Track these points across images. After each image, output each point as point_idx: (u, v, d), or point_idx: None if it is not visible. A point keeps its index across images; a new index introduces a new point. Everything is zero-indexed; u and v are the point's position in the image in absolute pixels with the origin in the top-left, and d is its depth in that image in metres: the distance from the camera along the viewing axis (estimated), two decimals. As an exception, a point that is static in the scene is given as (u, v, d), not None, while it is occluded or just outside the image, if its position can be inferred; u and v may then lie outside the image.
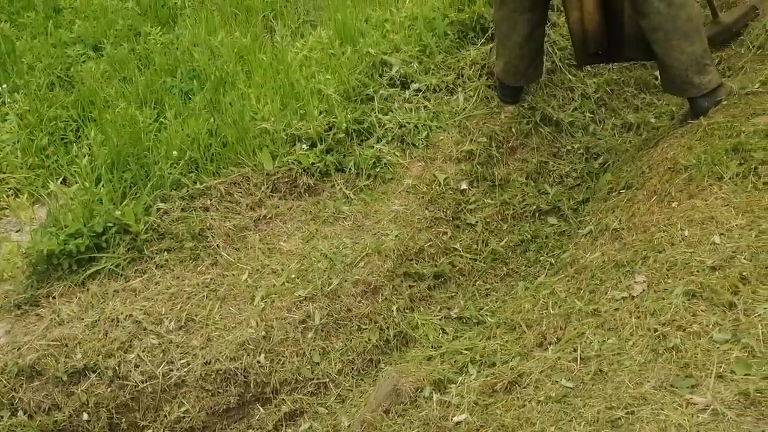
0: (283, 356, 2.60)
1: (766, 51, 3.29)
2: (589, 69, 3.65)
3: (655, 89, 3.63)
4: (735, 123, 2.66)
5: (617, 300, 2.19)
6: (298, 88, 3.37)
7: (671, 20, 2.81)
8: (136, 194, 2.95)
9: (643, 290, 2.14)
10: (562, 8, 3.21)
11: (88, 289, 2.74)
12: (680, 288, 2.03)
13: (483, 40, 3.60)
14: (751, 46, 3.37)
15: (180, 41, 4.05)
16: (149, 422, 2.56)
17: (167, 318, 2.63)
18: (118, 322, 2.62)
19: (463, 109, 3.34)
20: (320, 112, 3.24)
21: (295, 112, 3.27)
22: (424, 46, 3.54)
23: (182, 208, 2.90)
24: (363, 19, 3.86)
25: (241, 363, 2.56)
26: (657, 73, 3.60)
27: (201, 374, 2.54)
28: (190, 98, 3.57)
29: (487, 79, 3.46)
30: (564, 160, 3.32)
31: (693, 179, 2.47)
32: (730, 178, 2.38)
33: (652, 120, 3.42)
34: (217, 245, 2.80)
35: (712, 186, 2.39)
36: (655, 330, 1.96)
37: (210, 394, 2.57)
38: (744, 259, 2.00)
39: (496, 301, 2.79)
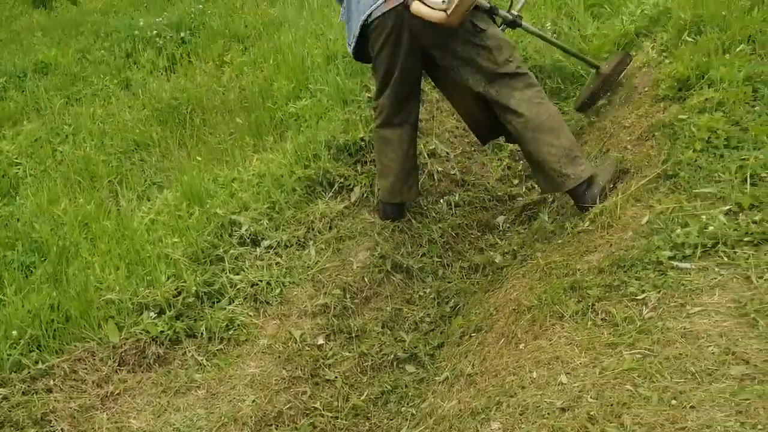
0: None
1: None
2: (434, 215, 3.80)
3: (497, 230, 3.80)
4: (570, 261, 2.81)
5: (476, 449, 2.19)
6: (144, 254, 3.31)
7: (535, 118, 3.09)
8: (-30, 380, 2.75)
9: (500, 437, 2.15)
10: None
11: None
12: None
13: (331, 194, 3.69)
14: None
15: (21, 212, 3.92)
16: None
17: None
18: None
19: (316, 263, 3.37)
20: (168, 277, 3.17)
21: (142, 278, 3.19)
22: (273, 202, 3.58)
23: (23, 392, 2.70)
24: (210, 179, 3.88)
25: None
26: (498, 219, 3.82)
27: None
28: (31, 271, 3.43)
29: (337, 231, 3.53)
30: (417, 305, 3.37)
31: (536, 320, 2.56)
32: (570, 317, 2.48)
33: (497, 260, 3.54)
34: (62, 429, 2.62)
35: (554, 325, 2.48)
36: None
37: None
38: (590, 398, 2.05)
39: (360, 460, 2.73)
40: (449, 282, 3.48)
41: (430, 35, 3.09)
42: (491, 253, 3.63)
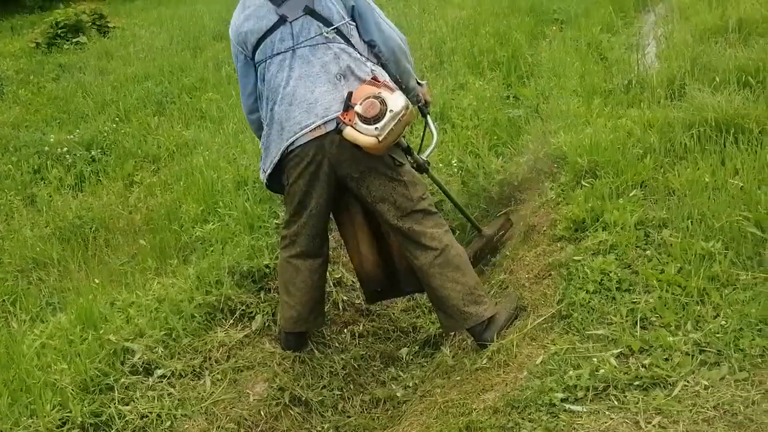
0: None
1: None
2: (337, 345, 3.77)
3: (400, 363, 3.78)
4: (467, 400, 2.80)
5: None
6: (30, 381, 3.14)
7: (443, 256, 3.15)
8: None
9: None
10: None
11: None
12: None
13: (231, 321, 3.62)
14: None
15: None
16: None
17: None
18: None
19: (210, 394, 3.25)
20: (53, 407, 3.01)
21: (26, 407, 3.02)
22: (170, 329, 3.48)
23: None
24: (108, 302, 3.77)
25: None
26: (401, 351, 3.81)
27: None
28: None
29: (235, 361, 3.45)
30: (314, 441, 3.28)
31: (431, 461, 2.53)
32: (464, 458, 2.45)
33: (399, 394, 3.51)
34: None
35: (448, 468, 2.45)
36: None
37: None
38: None
39: None
40: (349, 417, 3.41)
41: (349, 167, 3.13)
42: (393, 387, 3.60)
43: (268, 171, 3.31)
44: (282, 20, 3.15)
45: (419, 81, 3.56)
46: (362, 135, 2.95)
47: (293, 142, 3.14)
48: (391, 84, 3.13)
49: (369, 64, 3.15)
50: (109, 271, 4.31)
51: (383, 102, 2.93)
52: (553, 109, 4.87)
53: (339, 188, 3.28)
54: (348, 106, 2.99)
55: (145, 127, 6.61)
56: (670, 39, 5.82)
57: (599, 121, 4.42)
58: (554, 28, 7.38)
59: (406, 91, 3.38)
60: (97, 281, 3.99)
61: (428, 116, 3.78)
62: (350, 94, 3.00)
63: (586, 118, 4.55)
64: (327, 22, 3.10)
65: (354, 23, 3.18)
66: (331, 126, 3.04)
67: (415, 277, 3.38)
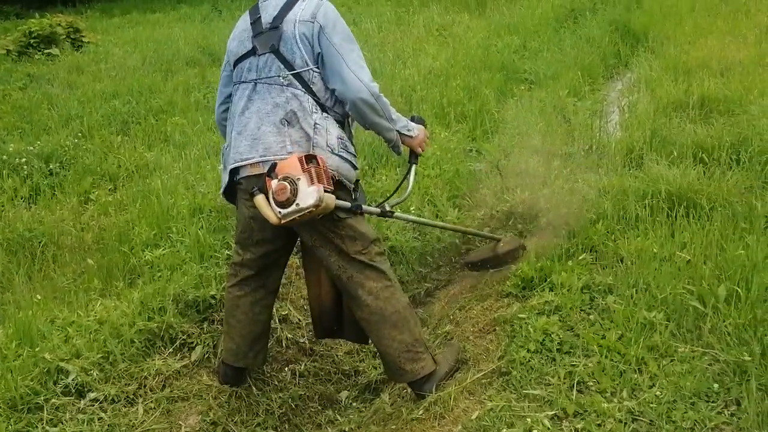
0: None
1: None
2: (276, 383, 3.73)
3: (338, 406, 3.74)
4: (400, 451, 2.79)
5: None
6: (-43, 395, 3.06)
7: (379, 311, 3.12)
8: None
9: None
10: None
11: None
12: None
13: (170, 350, 3.57)
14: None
15: None
16: None
17: None
18: None
19: (142, 422, 3.19)
20: (-22, 427, 2.93)
21: (-51, 422, 2.94)
22: (108, 353, 3.42)
23: None
24: (48, 319, 3.69)
25: None
26: (341, 394, 3.78)
27: None
28: None
29: (171, 391, 3.39)
30: (243, 479, 3.23)
31: None
32: None
33: (333, 437, 3.48)
34: None
35: None
36: None
37: None
38: None
39: None
40: (280, 456, 3.37)
41: None
42: (328, 430, 3.55)
43: (222, 189, 3.32)
44: (253, 51, 3.17)
45: (406, 132, 3.36)
46: (267, 208, 2.93)
47: (237, 169, 3.15)
48: (319, 170, 2.93)
49: (316, 116, 3.06)
50: (53, 288, 4.22)
51: (294, 192, 2.85)
52: (514, 167, 4.93)
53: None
54: (269, 174, 2.95)
55: (108, 145, 6.53)
56: (634, 109, 5.96)
57: (557, 183, 4.49)
58: (523, 87, 7.50)
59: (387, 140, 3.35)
60: (39, 297, 3.92)
61: (413, 167, 3.66)
62: (274, 165, 2.94)
63: (545, 179, 4.62)
64: (289, 66, 3.08)
65: (318, 70, 3.11)
66: (266, 168, 3.01)
67: (358, 328, 3.38)
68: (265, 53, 3.12)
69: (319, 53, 3.09)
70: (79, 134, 6.82)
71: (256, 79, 3.14)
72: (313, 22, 3.07)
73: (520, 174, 4.78)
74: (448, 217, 4.66)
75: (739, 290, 3.16)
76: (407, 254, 4.51)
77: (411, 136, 3.38)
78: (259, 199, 2.95)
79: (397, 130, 3.31)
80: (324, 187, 2.88)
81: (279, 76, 3.09)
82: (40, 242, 4.84)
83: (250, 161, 3.07)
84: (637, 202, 4.03)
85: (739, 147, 4.68)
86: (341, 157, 3.10)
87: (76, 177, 5.90)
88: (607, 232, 3.86)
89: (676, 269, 3.42)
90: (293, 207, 2.86)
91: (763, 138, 4.69)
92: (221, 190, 3.34)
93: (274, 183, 2.90)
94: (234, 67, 3.28)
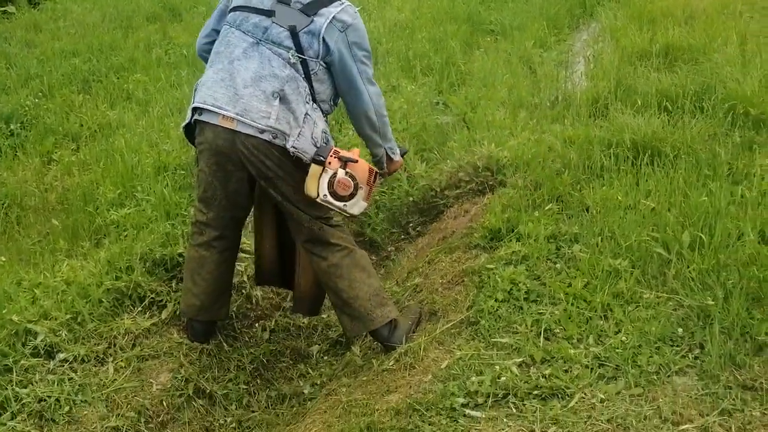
0: None
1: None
2: (247, 339, 3.75)
3: (310, 360, 3.77)
4: (371, 400, 2.82)
5: None
6: None
7: (350, 255, 3.24)
8: None
9: None
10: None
11: None
12: None
13: (139, 309, 3.56)
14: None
15: None
16: None
17: None
18: None
19: (113, 381, 3.19)
20: (-54, 386, 2.91)
21: None
22: (77, 313, 3.40)
23: None
24: (14, 281, 3.65)
25: None
26: (312, 348, 3.80)
27: None
28: None
29: (141, 349, 3.39)
30: (216, 434, 3.25)
31: (328, 460, 2.53)
32: (361, 459, 2.46)
33: (306, 391, 3.50)
34: None
35: (344, 467, 2.45)
36: None
37: None
38: None
39: None
40: (253, 411, 3.39)
41: (262, 165, 3.08)
42: (300, 384, 3.58)
43: (183, 124, 3.28)
44: (269, 13, 3.09)
45: (391, 153, 3.46)
46: (315, 181, 2.99)
47: (202, 112, 3.10)
48: (373, 189, 3.18)
49: (308, 107, 3.07)
50: (18, 250, 4.18)
51: (351, 196, 3.03)
52: (481, 119, 4.93)
53: (252, 180, 3.24)
54: (339, 157, 3.02)
55: (69, 104, 6.41)
56: (599, 59, 5.96)
57: (523, 134, 4.50)
58: (489, 39, 7.46)
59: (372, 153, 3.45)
60: (3, 259, 3.87)
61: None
62: (346, 161, 3.03)
63: (511, 130, 4.63)
64: (299, 50, 3.04)
65: (325, 66, 3.11)
66: (243, 128, 3.00)
67: (310, 303, 3.60)
68: (281, 26, 3.06)
69: (331, 60, 3.10)
70: (39, 93, 6.69)
71: (260, 39, 3.07)
72: (344, 33, 3.09)
73: (487, 126, 4.77)
74: (416, 171, 4.66)
75: (703, 236, 3.21)
76: (380, 210, 4.52)
77: (392, 159, 3.51)
78: (315, 169, 2.99)
79: (385, 149, 3.43)
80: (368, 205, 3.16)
81: (288, 52, 3.04)
82: (3, 204, 4.78)
83: (222, 111, 3.02)
84: (602, 152, 4.05)
85: (703, 95, 4.71)
86: None
87: (38, 137, 5.81)
88: (573, 182, 3.88)
89: (640, 217, 3.46)
90: (339, 204, 3.04)
91: (727, 86, 4.73)
92: (183, 124, 3.29)
93: (341, 172, 3.00)
94: (235, 9, 3.18)
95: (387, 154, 3.46)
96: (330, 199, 2.98)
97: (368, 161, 3.27)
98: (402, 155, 3.59)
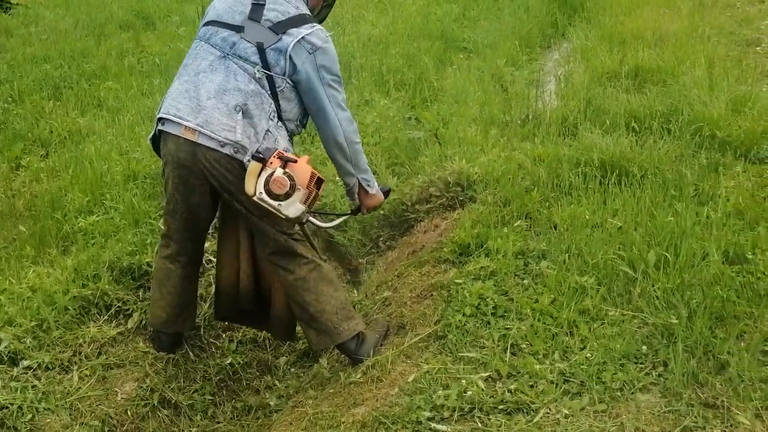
0: None
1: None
2: (214, 350, 3.73)
3: (277, 372, 3.76)
4: (337, 413, 2.82)
5: None
6: None
7: (317, 268, 3.23)
8: None
9: None
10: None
11: None
12: None
13: (106, 317, 3.54)
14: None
15: None
16: None
17: None
18: None
19: (77, 389, 3.16)
20: None
21: None
22: (42, 320, 3.37)
23: None
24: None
25: None
26: (279, 360, 3.79)
27: None
28: None
29: (106, 358, 3.37)
30: (180, 445, 3.23)
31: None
32: (326, 471, 2.46)
33: (272, 403, 3.49)
34: None
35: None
36: None
37: None
38: None
39: None
40: (218, 423, 3.38)
41: (224, 179, 3.06)
42: (267, 395, 3.57)
43: (149, 136, 3.26)
44: (238, 29, 3.09)
45: (366, 185, 3.42)
46: (253, 179, 2.92)
47: (165, 122, 3.08)
48: (316, 197, 3.09)
49: (271, 123, 3.06)
50: (-17, 256, 4.13)
51: (287, 196, 2.92)
52: (452, 135, 4.97)
53: (215, 192, 3.21)
54: (281, 157, 2.95)
55: (39, 110, 6.36)
56: (569, 79, 6.04)
57: (494, 151, 4.54)
58: (462, 56, 7.53)
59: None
60: (-33, 265, 3.83)
61: (348, 217, 3.82)
62: (289, 159, 2.95)
63: (482, 147, 4.67)
64: (266, 66, 3.04)
65: (291, 84, 3.10)
66: (204, 140, 2.98)
67: (290, 326, 3.54)
68: (249, 42, 3.05)
69: (300, 78, 3.08)
70: (9, 99, 6.63)
71: (227, 54, 3.07)
72: (312, 55, 3.07)
73: (458, 142, 4.81)
74: (388, 185, 4.67)
75: (668, 256, 3.26)
76: (349, 223, 4.53)
77: (368, 192, 3.45)
78: (254, 167, 2.92)
79: (358, 178, 3.38)
80: (307, 211, 3.04)
81: (255, 67, 3.04)
82: (-32, 210, 4.72)
83: (186, 123, 3.01)
84: (571, 170, 4.11)
85: (671, 116, 4.79)
86: None
87: (6, 142, 5.74)
88: (542, 199, 3.93)
89: (607, 235, 3.50)
90: (274, 203, 2.92)
91: (694, 108, 4.82)
92: (149, 135, 3.27)
93: (279, 171, 2.91)
94: (206, 24, 3.19)
95: (361, 185, 3.41)
96: (265, 197, 2.90)
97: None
98: (385, 194, 3.56)
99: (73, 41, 8.43)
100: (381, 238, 4.57)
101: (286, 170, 2.92)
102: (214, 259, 4.00)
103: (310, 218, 3.29)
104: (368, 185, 3.43)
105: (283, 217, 2.96)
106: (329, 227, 3.98)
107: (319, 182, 3.05)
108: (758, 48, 6.53)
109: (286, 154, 2.97)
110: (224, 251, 3.50)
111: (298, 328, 3.54)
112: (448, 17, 8.65)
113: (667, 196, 3.77)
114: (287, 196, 2.91)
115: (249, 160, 2.97)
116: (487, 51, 7.40)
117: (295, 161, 2.97)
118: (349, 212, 3.71)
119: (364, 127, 5.24)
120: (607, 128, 4.72)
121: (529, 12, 8.56)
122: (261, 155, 2.93)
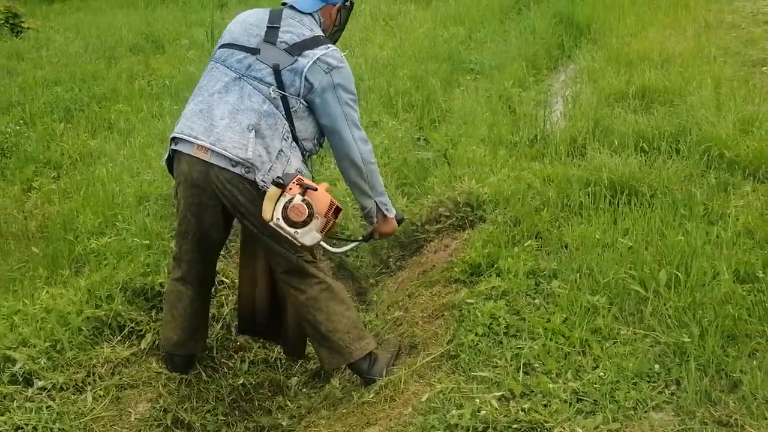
0: None
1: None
2: (226, 370, 3.75)
3: (289, 392, 3.76)
4: (351, 432, 2.83)
5: None
6: None
7: (328, 288, 3.24)
8: None
9: None
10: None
11: None
12: None
13: (119, 338, 3.55)
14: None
15: None
16: None
17: None
18: None
19: (91, 410, 3.18)
20: None
21: None
22: (56, 341, 3.38)
23: None
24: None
25: None
26: (291, 380, 3.80)
27: None
28: None
29: (120, 378, 3.38)
30: (193, 465, 3.23)
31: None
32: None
33: (284, 423, 3.50)
34: None
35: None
36: None
37: None
38: None
39: None
40: (231, 442, 3.38)
41: (235, 200, 3.09)
42: (279, 416, 3.58)
43: (164, 157, 3.28)
44: (254, 51, 3.12)
45: (384, 208, 3.42)
46: (271, 204, 2.93)
47: (179, 142, 3.12)
48: (333, 226, 3.09)
49: (284, 144, 3.08)
50: (-3, 277, 4.16)
51: (304, 224, 2.92)
52: (461, 156, 5.00)
53: (227, 213, 3.24)
54: (300, 184, 2.95)
55: (50, 132, 6.42)
56: (577, 100, 6.07)
57: (503, 171, 4.57)
58: (469, 77, 7.58)
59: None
60: (-19, 287, 3.85)
61: (361, 243, 3.81)
62: (308, 187, 2.96)
63: (491, 167, 4.69)
64: (281, 87, 3.06)
65: (306, 104, 3.12)
66: (216, 159, 3.01)
67: (301, 343, 3.60)
68: (264, 63, 3.09)
69: (314, 97, 3.11)
70: (21, 121, 6.70)
71: (243, 75, 3.10)
72: (329, 74, 3.10)
73: (467, 162, 4.84)
74: (397, 205, 4.70)
75: (679, 275, 3.27)
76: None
77: (386, 216, 3.45)
78: (273, 192, 2.93)
79: (377, 202, 3.38)
80: (323, 241, 3.08)
81: (269, 88, 3.06)
82: (-19, 230, 4.76)
83: (198, 142, 3.04)
84: (580, 190, 4.12)
85: (679, 136, 4.81)
86: None
87: (18, 164, 5.80)
88: (552, 219, 3.94)
89: (618, 255, 3.51)
90: (290, 230, 2.92)
91: (702, 128, 4.83)
92: (164, 156, 3.30)
93: (298, 198, 2.91)
94: (222, 46, 3.22)
95: (380, 209, 3.41)
96: (282, 223, 2.90)
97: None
98: (399, 221, 3.55)
99: (84, 64, 8.52)
100: (391, 259, 4.60)
101: (305, 197, 2.93)
102: (226, 280, 4.04)
103: (322, 243, 3.29)
104: (387, 209, 3.43)
105: (299, 244, 2.97)
106: (340, 252, 4.01)
107: (338, 211, 3.04)
108: (764, 68, 6.55)
109: (306, 181, 2.97)
110: (245, 267, 3.54)
111: (310, 347, 3.55)
112: (454, 39, 8.71)
113: (677, 216, 3.78)
114: (304, 224, 2.92)
115: (263, 180, 2.99)
116: (494, 72, 7.45)
117: (315, 189, 2.97)
118: (360, 238, 3.72)
119: (373, 148, 5.26)
120: (615, 148, 4.74)
121: (535, 34, 8.61)
122: (281, 180, 2.93)
